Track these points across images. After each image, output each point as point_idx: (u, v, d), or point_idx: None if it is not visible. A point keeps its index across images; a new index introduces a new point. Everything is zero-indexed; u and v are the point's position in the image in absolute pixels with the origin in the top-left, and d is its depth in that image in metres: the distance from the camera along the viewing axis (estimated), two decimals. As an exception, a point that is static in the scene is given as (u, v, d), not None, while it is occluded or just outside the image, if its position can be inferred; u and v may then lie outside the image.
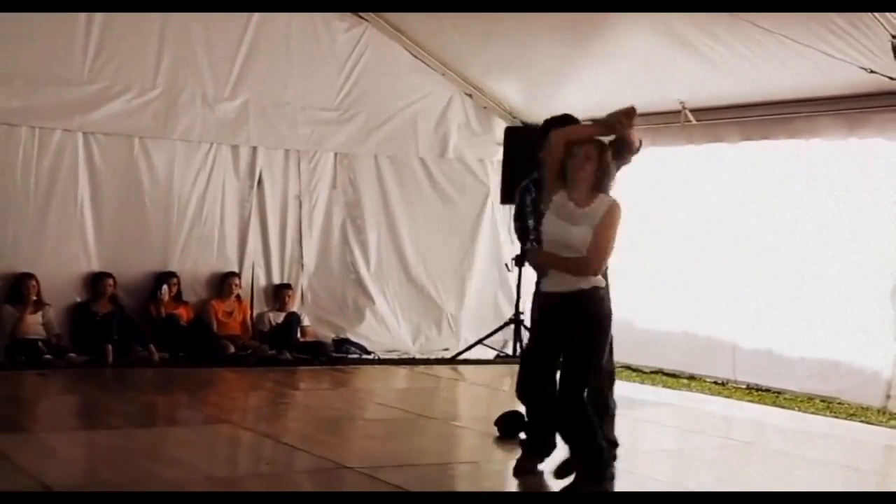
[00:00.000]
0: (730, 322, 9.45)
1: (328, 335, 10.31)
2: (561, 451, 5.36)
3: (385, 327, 10.63)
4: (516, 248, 10.72)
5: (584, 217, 4.97)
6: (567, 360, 5.06)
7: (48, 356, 8.60)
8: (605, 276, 5.13)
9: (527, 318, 10.75)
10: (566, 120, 5.67)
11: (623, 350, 10.25)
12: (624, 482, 5.51)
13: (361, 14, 10.31)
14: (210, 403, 8.12)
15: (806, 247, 8.95)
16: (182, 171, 9.75)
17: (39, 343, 8.69)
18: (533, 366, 5.29)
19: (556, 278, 5.07)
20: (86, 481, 5.25)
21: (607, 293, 5.10)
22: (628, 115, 5.06)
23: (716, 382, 9.66)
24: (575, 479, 5.06)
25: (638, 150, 5.54)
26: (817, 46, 7.55)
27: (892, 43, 7.13)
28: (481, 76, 10.88)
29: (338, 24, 10.37)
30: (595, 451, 5.03)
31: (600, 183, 5.04)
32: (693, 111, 9.37)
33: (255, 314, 10.13)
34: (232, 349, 9.51)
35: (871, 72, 7.57)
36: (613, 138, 5.35)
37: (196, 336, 9.45)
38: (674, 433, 7.58)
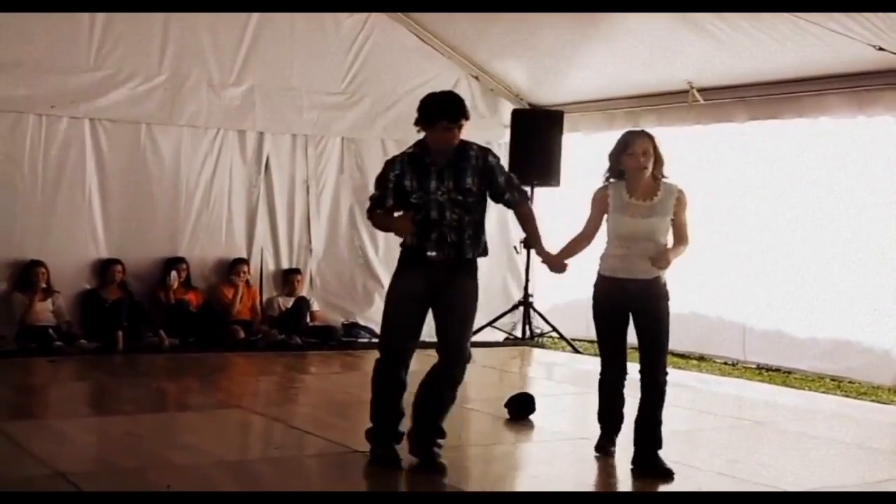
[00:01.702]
0: (739, 302, 9.44)
1: (337, 319, 10.32)
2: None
3: (394, 311, 10.61)
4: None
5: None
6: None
7: (58, 343, 8.63)
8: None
9: (541, 301, 10.77)
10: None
11: (634, 332, 10.38)
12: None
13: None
14: (220, 388, 8.15)
15: (815, 226, 8.92)
16: (189, 157, 9.74)
17: (50, 330, 8.72)
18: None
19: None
20: (98, 467, 5.27)
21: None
22: None
23: (726, 363, 9.65)
24: None
25: None
26: (825, 24, 7.50)
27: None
28: (488, 59, 10.84)
29: (343, 8, 10.34)
30: None
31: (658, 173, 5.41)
32: (700, 91, 9.33)
33: (264, 299, 10.14)
34: (242, 334, 9.52)
35: (880, 49, 7.52)
36: None
37: (206, 322, 9.47)
38: (684, 414, 7.55)
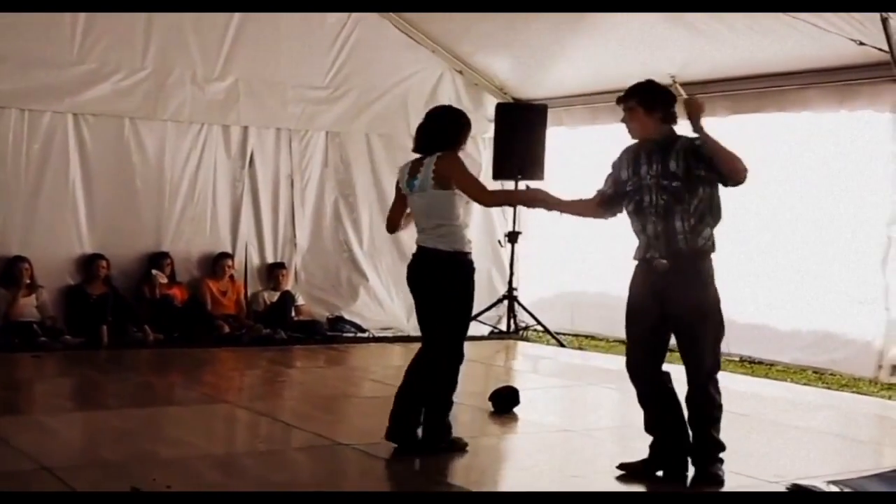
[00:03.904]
0: (723, 295, 9.45)
1: (322, 314, 10.33)
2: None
3: (379, 305, 10.64)
4: (509, 225, 10.74)
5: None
6: None
7: (43, 338, 8.60)
8: None
9: (525, 295, 10.81)
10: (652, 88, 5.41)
11: (618, 325, 10.42)
12: (621, 456, 5.55)
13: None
14: (206, 383, 8.15)
15: (797, 219, 8.97)
16: (173, 151, 9.74)
17: (34, 325, 8.69)
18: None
19: None
20: (83, 461, 5.27)
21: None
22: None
23: (709, 355, 9.67)
24: None
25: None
26: (807, 18, 7.55)
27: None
28: (472, 53, 10.85)
29: (327, 2, 10.32)
30: None
31: None
32: (683, 85, 9.36)
33: (249, 294, 10.14)
34: (227, 329, 9.53)
35: (861, 44, 7.58)
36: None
37: (190, 316, 9.46)
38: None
